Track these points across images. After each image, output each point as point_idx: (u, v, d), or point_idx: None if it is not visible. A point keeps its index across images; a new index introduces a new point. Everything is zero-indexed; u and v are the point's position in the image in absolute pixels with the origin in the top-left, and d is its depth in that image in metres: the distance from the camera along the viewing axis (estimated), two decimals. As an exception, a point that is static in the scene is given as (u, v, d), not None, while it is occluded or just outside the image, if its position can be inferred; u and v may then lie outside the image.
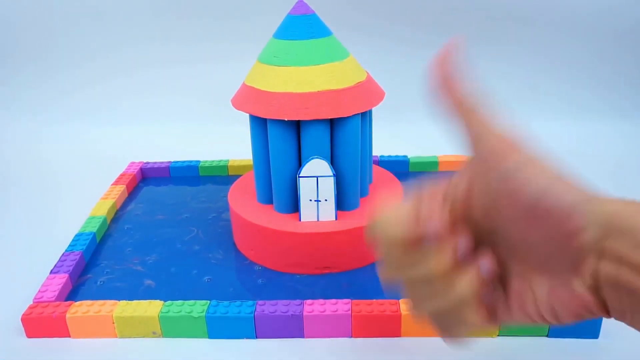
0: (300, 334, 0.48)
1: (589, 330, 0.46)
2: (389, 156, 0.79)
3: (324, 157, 0.52)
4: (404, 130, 0.92)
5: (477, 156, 0.25)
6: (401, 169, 0.78)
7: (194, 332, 0.48)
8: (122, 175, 0.76)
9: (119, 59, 0.96)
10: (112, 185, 0.73)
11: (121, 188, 0.72)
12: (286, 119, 0.51)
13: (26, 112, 0.98)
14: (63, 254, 0.57)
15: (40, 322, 0.48)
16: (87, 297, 0.52)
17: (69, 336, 0.49)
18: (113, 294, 0.53)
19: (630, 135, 0.89)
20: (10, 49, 0.95)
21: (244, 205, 0.58)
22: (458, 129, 0.25)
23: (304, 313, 0.47)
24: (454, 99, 0.25)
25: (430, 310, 0.27)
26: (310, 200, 0.54)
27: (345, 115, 0.51)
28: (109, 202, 0.68)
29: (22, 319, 0.48)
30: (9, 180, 0.83)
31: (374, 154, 0.69)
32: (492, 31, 0.91)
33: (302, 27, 0.52)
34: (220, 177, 0.79)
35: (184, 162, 0.80)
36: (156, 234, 0.64)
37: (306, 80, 0.51)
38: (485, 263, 0.27)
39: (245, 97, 0.54)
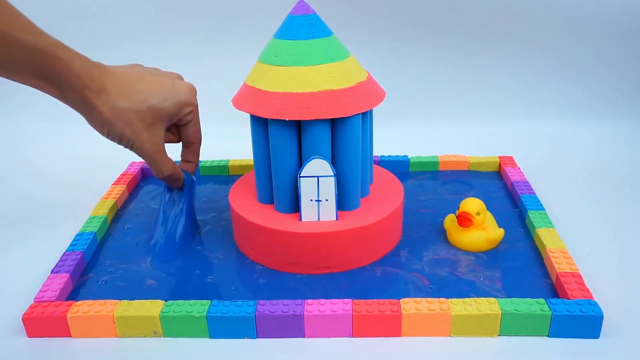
0: (301, 334, 0.48)
1: (590, 330, 0.46)
2: (389, 156, 0.79)
3: (324, 157, 0.52)
4: (404, 130, 0.92)
5: None
6: (401, 169, 0.78)
7: (195, 331, 0.48)
8: (122, 174, 0.76)
9: (120, 59, 0.96)
10: (112, 184, 0.73)
11: (122, 188, 0.72)
12: (287, 119, 0.51)
13: (27, 112, 0.98)
14: (64, 254, 0.57)
15: (41, 322, 0.48)
16: (88, 296, 0.52)
17: (70, 336, 0.49)
18: (114, 294, 0.53)
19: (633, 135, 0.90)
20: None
21: (245, 205, 0.59)
22: None
23: (305, 313, 0.47)
24: None
25: None
26: (311, 200, 0.54)
27: (345, 115, 0.51)
28: (110, 202, 0.68)
29: (23, 319, 0.48)
30: (10, 180, 0.83)
31: (374, 154, 0.69)
32: (492, 31, 0.91)
33: (302, 27, 0.52)
34: (220, 177, 0.79)
35: (184, 162, 0.80)
36: (157, 234, 0.64)
37: (307, 80, 0.51)
38: None
39: (246, 97, 0.54)
